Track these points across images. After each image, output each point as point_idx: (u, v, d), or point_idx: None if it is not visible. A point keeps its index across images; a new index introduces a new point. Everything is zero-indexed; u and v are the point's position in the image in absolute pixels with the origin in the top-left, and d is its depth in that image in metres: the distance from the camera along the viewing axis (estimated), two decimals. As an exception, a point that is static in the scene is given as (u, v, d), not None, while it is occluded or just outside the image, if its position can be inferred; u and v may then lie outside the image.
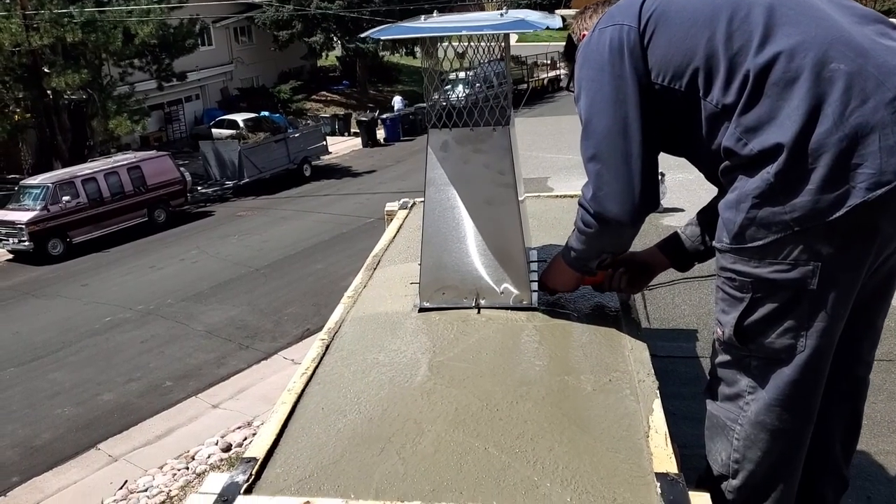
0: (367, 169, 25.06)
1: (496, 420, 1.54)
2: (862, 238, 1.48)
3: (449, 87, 1.95)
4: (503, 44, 1.90)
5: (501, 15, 1.94)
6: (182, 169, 22.08)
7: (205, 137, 26.57)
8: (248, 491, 1.39)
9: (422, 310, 2.00)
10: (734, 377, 1.65)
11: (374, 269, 2.39)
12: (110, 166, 20.48)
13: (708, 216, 1.88)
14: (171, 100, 29.69)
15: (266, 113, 28.19)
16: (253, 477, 1.42)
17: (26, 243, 18.65)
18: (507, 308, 1.96)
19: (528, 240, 2.26)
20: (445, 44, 1.87)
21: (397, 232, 2.73)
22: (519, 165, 2.09)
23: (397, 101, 31.47)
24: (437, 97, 1.92)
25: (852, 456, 1.88)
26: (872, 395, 2.76)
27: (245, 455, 1.48)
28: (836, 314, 1.54)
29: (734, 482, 1.68)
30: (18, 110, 22.73)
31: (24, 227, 18.53)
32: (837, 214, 1.43)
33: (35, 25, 20.90)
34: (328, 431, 1.54)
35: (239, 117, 27.82)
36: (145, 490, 8.08)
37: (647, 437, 1.47)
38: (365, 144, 28.15)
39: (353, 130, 29.60)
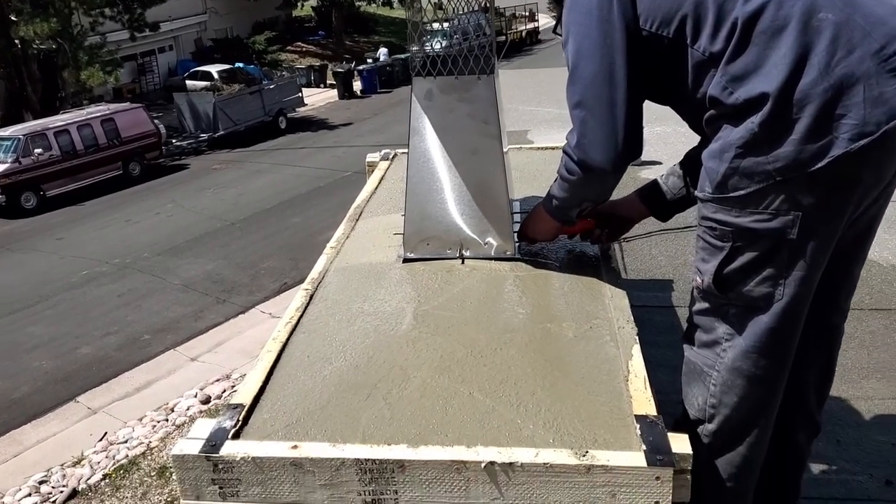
0: (343, 121, 24.80)
1: (480, 366, 1.56)
2: (843, 188, 1.50)
3: (433, 35, 1.94)
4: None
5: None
6: (156, 121, 21.76)
7: (179, 89, 26.11)
8: (236, 436, 1.41)
9: (406, 260, 2.01)
10: (712, 324, 1.67)
11: (357, 220, 2.39)
12: (83, 118, 20.12)
13: (688, 166, 1.90)
14: (144, 51, 29.12)
15: (241, 64, 27.74)
16: (240, 422, 1.44)
17: (-1, 196, 18.40)
18: (490, 259, 1.98)
19: (511, 191, 2.27)
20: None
21: (379, 183, 2.73)
22: (503, 117, 2.09)
23: (383, 53, 31.07)
24: (421, 45, 1.90)
25: (825, 402, 1.94)
26: (844, 343, 2.82)
27: (231, 402, 1.49)
28: (814, 263, 1.56)
29: (710, 426, 1.71)
30: (-14, 61, 22.22)
31: (-5, 180, 18.26)
32: (819, 165, 1.44)
33: (0, -28, 20.35)
34: (314, 378, 1.56)
35: (213, 69, 27.35)
36: (125, 441, 8.11)
37: (627, 381, 1.51)
38: (341, 96, 27.83)
39: (329, 82, 29.23)
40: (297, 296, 1.90)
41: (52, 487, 7.31)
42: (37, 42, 22.16)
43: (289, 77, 26.82)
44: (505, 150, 2.00)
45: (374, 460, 1.32)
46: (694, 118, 1.69)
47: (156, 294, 13.68)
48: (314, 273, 2.02)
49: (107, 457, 7.84)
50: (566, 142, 1.73)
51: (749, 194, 1.52)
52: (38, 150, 18.83)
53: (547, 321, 1.73)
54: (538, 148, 3.19)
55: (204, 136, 23.36)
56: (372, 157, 3.01)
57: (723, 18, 1.50)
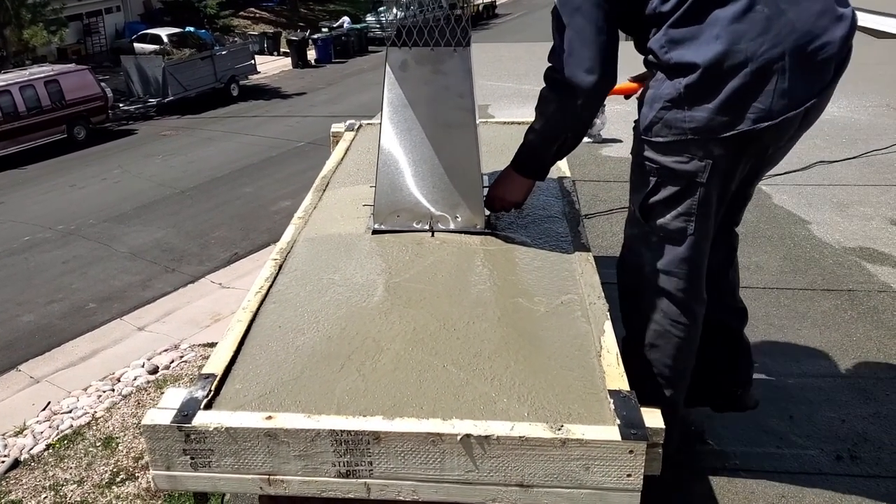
0: (297, 91, 24.45)
1: (454, 339, 1.56)
2: (744, 151, 1.76)
3: (398, 4, 1.91)
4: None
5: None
6: (103, 84, 21.14)
7: (126, 52, 25.39)
8: (209, 406, 1.39)
9: (375, 232, 1.99)
10: (639, 250, 1.90)
11: (324, 190, 2.36)
12: (26, 79, 19.45)
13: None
14: (91, 10, 28.23)
15: (192, 28, 27.09)
16: (212, 392, 1.42)
17: (-66, 158, 17.74)
18: (460, 232, 1.98)
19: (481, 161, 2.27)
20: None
21: (345, 154, 2.69)
22: (476, 90, 2.08)
23: (346, 22, 30.65)
24: (388, 14, 1.88)
25: (738, 286, 2.21)
26: (797, 322, 2.90)
27: (203, 371, 1.47)
28: (719, 201, 1.83)
29: (647, 340, 1.92)
30: (-77, 15, 21.30)
31: (-70, 141, 17.60)
32: (726, 134, 1.69)
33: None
34: (286, 349, 1.55)
35: (163, 32, 26.64)
36: (69, 412, 7.97)
37: (600, 356, 1.52)
38: (295, 65, 27.42)
39: (282, 50, 28.74)
40: (266, 265, 1.88)
41: (-7, 457, 7.14)
42: (-23, -2, 21.33)
43: (241, 43, 26.33)
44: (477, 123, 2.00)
45: (349, 431, 1.31)
46: (645, 60, 1.84)
47: (102, 262, 13.39)
48: (282, 243, 1.99)
49: (50, 426, 7.70)
50: (549, 65, 1.82)
51: (669, 142, 1.75)
52: (-23, 111, 18.21)
53: (518, 296, 1.73)
54: (502, 122, 3.18)
55: (153, 101, 22.82)
56: (337, 127, 2.97)
57: None
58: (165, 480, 1.37)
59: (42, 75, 19.79)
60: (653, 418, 1.34)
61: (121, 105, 22.73)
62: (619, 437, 1.29)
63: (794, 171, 4.33)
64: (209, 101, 23.13)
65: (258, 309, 1.69)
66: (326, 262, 1.88)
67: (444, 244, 1.94)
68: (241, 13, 33.94)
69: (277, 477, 1.36)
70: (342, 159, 2.63)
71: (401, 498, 1.36)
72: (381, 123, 1.92)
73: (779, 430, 2.32)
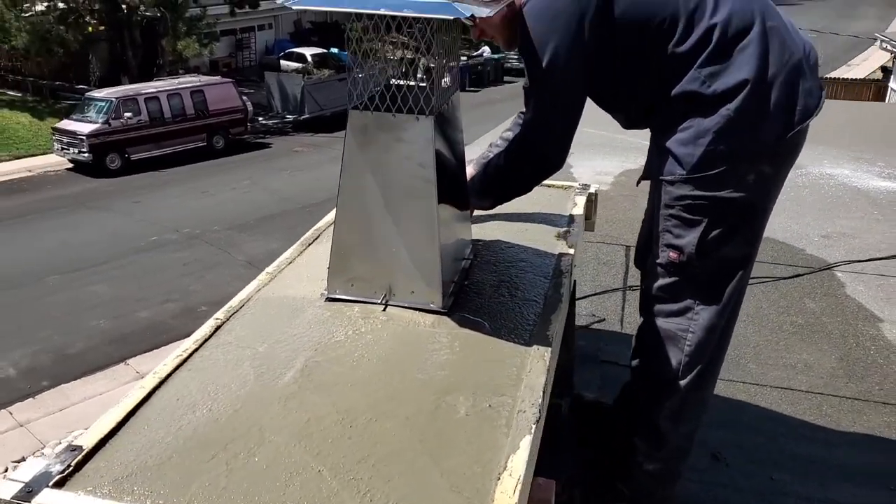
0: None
1: (345, 438, 1.43)
2: (791, 158, 1.94)
3: (378, 64, 1.81)
4: (435, 25, 1.73)
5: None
6: (245, 98, 22.23)
7: (273, 68, 26.66)
8: (60, 484, 1.31)
9: (329, 299, 1.89)
10: (681, 294, 1.96)
11: (309, 244, 2.28)
12: (174, 87, 20.73)
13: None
14: (244, 27, 29.80)
15: (335, 50, 28.07)
16: (71, 468, 1.34)
17: (86, 154, 19.12)
18: (415, 308, 1.84)
19: (465, 233, 2.13)
20: (373, 19, 1.72)
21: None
22: (455, 152, 1.96)
23: (486, 51, 31.01)
24: (359, 75, 1.78)
25: None
26: (838, 438, 2.58)
27: (74, 442, 1.40)
28: (767, 219, 1.99)
29: (683, 382, 2.00)
30: (93, 22, 23.09)
31: (84, 138, 18.98)
32: (781, 140, 1.83)
33: (115, -62, 21.12)
34: (169, 427, 1.46)
35: (308, 51, 27.78)
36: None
37: (500, 478, 1.35)
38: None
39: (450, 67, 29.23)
40: (205, 325, 1.80)
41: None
42: (141, 9, 22.94)
43: (406, 59, 26.90)
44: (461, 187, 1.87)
45: (184, 535, 1.20)
46: (636, 114, 2.03)
47: (219, 267, 13.97)
48: (234, 301, 1.92)
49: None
50: (523, 138, 2.03)
51: (724, 171, 1.83)
52: (127, 114, 19.51)
53: (445, 392, 1.57)
54: (549, 185, 2.98)
55: (290, 117, 23.78)
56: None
57: (693, 26, 1.79)
58: (5, 558, 1.30)
59: (189, 85, 21.02)
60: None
61: (260, 119, 23.80)
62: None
63: (880, 258, 3.89)
64: (342, 121, 23.73)
65: (169, 375, 1.62)
66: (264, 329, 1.79)
67: (391, 321, 1.80)
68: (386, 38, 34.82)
69: (114, 570, 1.26)
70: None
71: None
72: (339, 186, 1.82)
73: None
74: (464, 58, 30.29)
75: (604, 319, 3.24)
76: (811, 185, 5.21)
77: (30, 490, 1.28)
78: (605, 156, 5.38)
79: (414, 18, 1.67)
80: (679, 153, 1.86)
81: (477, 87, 28.52)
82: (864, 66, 32.99)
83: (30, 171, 20.10)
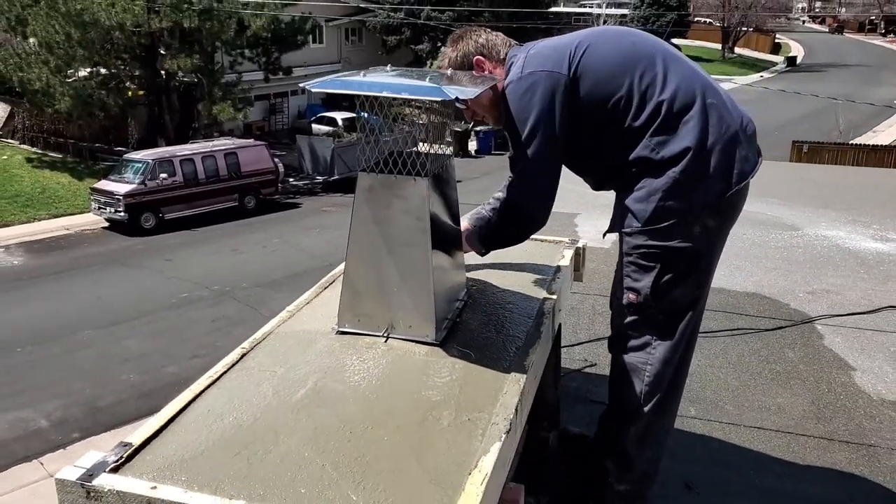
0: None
1: (345, 441, 1.73)
2: (731, 213, 2.23)
3: (383, 134, 2.16)
4: (431, 105, 2.09)
5: (441, 77, 2.15)
6: (277, 160, 22.92)
7: (304, 131, 27.48)
8: (114, 470, 1.62)
9: (339, 332, 2.21)
10: (642, 331, 2.25)
11: (325, 288, 2.61)
12: (208, 150, 21.46)
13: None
14: (278, 92, 30.83)
15: (364, 114, 28.81)
16: (123, 459, 1.66)
17: (122, 214, 19.76)
18: (412, 341, 2.15)
19: (458, 277, 2.44)
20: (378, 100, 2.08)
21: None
22: (450, 208, 2.29)
23: None
24: (367, 144, 2.13)
25: None
26: (802, 472, 2.80)
27: (125, 440, 1.72)
28: (714, 267, 2.28)
29: (645, 408, 2.27)
30: (133, 87, 24.10)
31: (121, 198, 19.65)
32: (721, 199, 2.14)
33: (156, 9, 22.16)
34: (202, 431, 1.77)
35: (339, 115, 28.62)
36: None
37: (470, 474, 1.63)
38: (455, 154, 28.21)
39: (446, 139, 29.93)
40: (233, 352, 2.13)
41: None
42: (179, 75, 23.92)
43: (407, 131, 27.66)
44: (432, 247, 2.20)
45: (211, 510, 1.50)
46: (602, 177, 2.38)
47: (246, 323, 14.30)
48: (258, 333, 2.24)
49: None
50: (516, 204, 2.37)
51: (673, 224, 2.13)
52: (163, 175, 20.19)
53: (431, 408, 1.87)
54: (540, 239, 3.29)
55: (319, 178, 24.43)
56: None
57: (646, 102, 2.14)
58: (70, 530, 1.61)
59: (223, 148, 21.75)
60: (481, 539, 1.45)
61: (290, 180, 24.47)
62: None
63: (859, 312, 4.16)
64: (370, 182, 24.35)
65: (202, 392, 1.93)
66: (283, 356, 2.11)
67: (391, 350, 2.11)
68: (414, 103, 35.76)
69: (156, 541, 1.56)
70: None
71: (254, 578, 1.52)
72: (349, 236, 2.15)
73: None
74: (489, 126, 31.01)
75: (595, 364, 3.51)
76: (805, 245, 5.48)
77: (90, 474, 1.59)
78: (608, 216, 5.69)
79: (412, 99, 2.02)
80: (634, 208, 2.18)
81: (502, 151, 29.13)
82: (889, 132, 33.22)
83: (67, 229, 20.83)
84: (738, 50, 63.06)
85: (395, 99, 2.02)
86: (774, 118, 30.67)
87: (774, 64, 59.59)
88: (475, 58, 2.36)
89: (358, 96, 2.07)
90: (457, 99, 1.95)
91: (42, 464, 10.09)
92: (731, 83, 39.26)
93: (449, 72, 2.37)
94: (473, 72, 2.37)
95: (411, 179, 2.09)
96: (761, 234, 5.75)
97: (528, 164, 2.25)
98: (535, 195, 2.33)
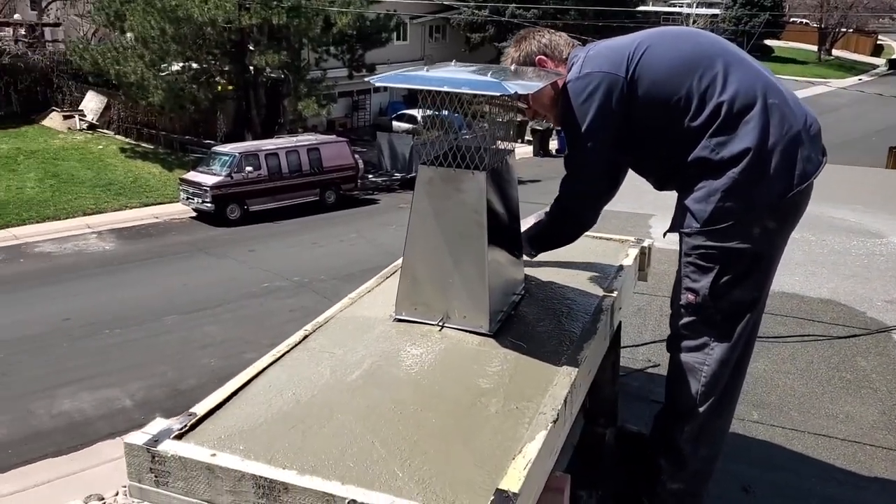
0: (531, 178, 25.22)
1: (395, 421, 1.80)
2: (792, 214, 2.22)
3: (443, 129, 2.23)
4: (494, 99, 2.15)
5: (506, 72, 2.20)
6: (357, 156, 23.25)
7: (385, 128, 27.81)
8: (178, 437, 1.73)
9: (396, 319, 2.28)
10: (700, 331, 2.26)
11: (387, 277, 2.69)
12: (292, 145, 21.93)
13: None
14: (361, 89, 31.24)
15: (445, 112, 29.00)
16: (187, 427, 1.77)
17: (209, 204, 20.37)
18: (466, 331, 2.21)
19: (515, 272, 2.49)
20: (440, 95, 2.14)
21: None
22: (508, 203, 2.33)
23: None
24: (429, 137, 2.19)
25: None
26: (869, 483, 2.74)
27: (190, 410, 1.83)
28: (774, 269, 2.27)
29: (700, 409, 2.28)
30: (222, 82, 24.83)
31: (209, 189, 20.26)
32: (782, 199, 2.12)
33: (247, 5, 22.78)
34: (262, 405, 1.87)
35: (419, 113, 28.80)
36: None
37: (514, 459, 1.68)
38: (536, 153, 28.44)
39: (527, 138, 29.89)
40: (296, 334, 2.23)
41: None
42: (267, 70, 24.51)
43: (487, 130, 27.72)
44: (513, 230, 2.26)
45: (266, 478, 1.59)
46: (662, 177, 2.39)
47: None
48: (321, 318, 2.34)
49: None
50: (567, 202, 2.47)
51: (732, 225, 2.13)
52: (248, 168, 20.73)
53: (480, 394, 1.93)
54: (605, 238, 3.30)
55: (398, 175, 24.68)
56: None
57: (705, 104, 2.14)
58: (137, 491, 1.73)
59: (306, 143, 22.19)
60: (517, 521, 1.49)
61: (370, 176, 24.80)
62: (471, 529, 1.46)
63: (939, 320, 4.01)
64: (448, 179, 24.50)
65: (264, 369, 2.04)
66: (342, 339, 2.20)
67: (444, 339, 2.18)
68: (495, 101, 35.76)
69: (214, 506, 1.66)
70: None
71: (303, 545, 1.61)
72: (408, 227, 2.23)
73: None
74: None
75: (658, 365, 3.50)
76: (888, 253, 5.31)
77: (156, 440, 1.71)
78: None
79: (472, 94, 2.08)
80: (694, 209, 2.19)
81: (581, 151, 28.90)
82: None
83: (157, 217, 21.62)
84: (835, 52, 60.78)
85: (455, 94, 2.08)
86: (872, 123, 29.51)
87: (875, 67, 57.31)
88: (538, 57, 2.39)
89: (420, 91, 2.14)
90: (517, 94, 2.00)
91: (124, 440, 10.54)
92: (825, 86, 37.97)
93: (513, 67, 2.41)
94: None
95: (470, 173, 2.14)
96: (842, 241, 5.59)
97: (582, 163, 2.33)
98: (586, 194, 2.41)
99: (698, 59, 2.18)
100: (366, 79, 2.40)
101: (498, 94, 1.99)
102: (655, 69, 2.18)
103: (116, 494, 9.11)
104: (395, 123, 29.04)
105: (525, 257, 2.58)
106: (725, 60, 2.18)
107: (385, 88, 32.60)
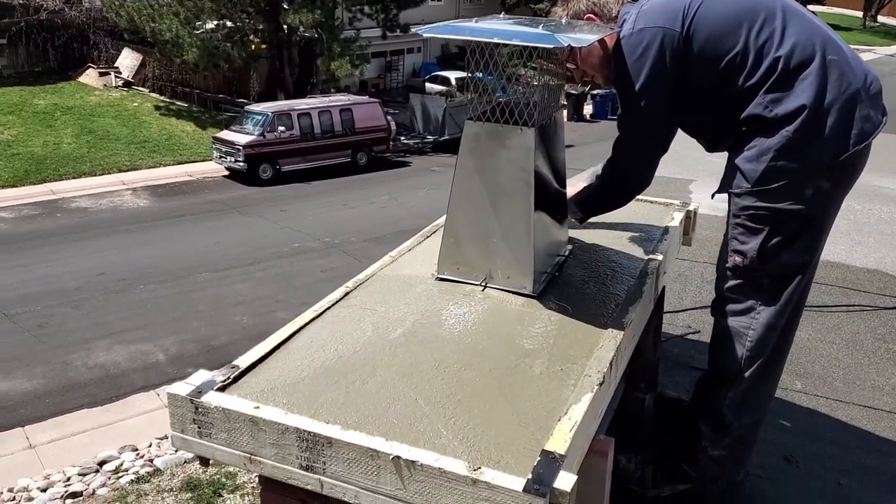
0: (566, 143, 25.02)
1: (438, 379, 1.78)
2: (848, 176, 2.14)
3: (492, 83, 2.17)
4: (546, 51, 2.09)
5: (557, 25, 2.13)
6: (389, 118, 23.16)
7: (418, 90, 27.64)
8: (222, 389, 1.73)
9: (438, 278, 2.25)
10: (746, 295, 2.20)
11: (427, 237, 2.65)
12: (325, 105, 21.90)
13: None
14: (394, 49, 31.06)
15: (479, 74, 28.72)
16: (230, 380, 1.76)
17: (241, 164, 20.47)
18: (509, 291, 2.17)
19: (561, 233, 2.44)
20: (490, 46, 2.08)
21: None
22: (555, 163, 2.28)
23: None
24: (475, 93, 2.14)
25: None
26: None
27: (233, 363, 1.82)
28: (827, 232, 2.21)
29: (745, 374, 2.24)
30: (256, 40, 24.77)
31: (241, 148, 20.35)
32: (837, 159, 2.05)
33: (281, -38, 22.67)
34: (305, 359, 1.85)
35: (452, 75, 28.62)
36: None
37: (560, 420, 1.65)
38: (570, 118, 28.11)
39: (561, 102, 29.54)
40: (337, 290, 2.20)
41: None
42: (301, 30, 24.40)
43: (521, 92, 27.47)
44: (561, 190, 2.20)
45: (309, 432, 1.58)
46: (714, 137, 2.30)
47: (353, 275, 14.49)
48: (362, 275, 2.31)
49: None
50: (622, 162, 2.38)
51: (784, 185, 2.06)
52: (281, 128, 20.76)
53: (524, 355, 1.90)
54: (650, 201, 3.22)
55: (430, 137, 24.56)
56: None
57: (762, 59, 2.06)
58: (179, 441, 1.73)
59: (338, 104, 22.15)
60: (565, 481, 1.47)
61: (402, 138, 24.71)
62: (520, 489, 1.43)
63: None
64: (481, 143, 24.37)
65: (306, 324, 2.02)
66: (383, 296, 2.17)
67: (487, 299, 2.14)
68: (530, 63, 35.38)
69: (257, 457, 1.65)
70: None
71: (346, 500, 1.60)
72: (451, 184, 2.18)
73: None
74: (606, 89, 30.35)
75: (699, 332, 3.45)
76: (940, 223, 5.17)
77: (199, 391, 1.70)
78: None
79: (522, 47, 2.01)
80: (745, 168, 2.12)
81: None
82: None
83: (190, 175, 21.79)
84: (881, 18, 59.20)
85: (505, 45, 2.02)
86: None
87: (922, 34, 55.71)
88: (586, 16, 2.32)
89: (469, 43, 2.08)
90: (569, 47, 1.93)
91: (158, 395, 10.70)
92: (871, 53, 37.00)
93: (564, 20, 2.34)
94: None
95: (518, 129, 2.09)
96: (889, 211, 5.46)
97: (636, 122, 2.24)
98: (642, 153, 2.32)
99: (755, 11, 2.09)
100: (413, 29, 2.34)
101: (550, 46, 1.93)
102: (712, 23, 2.09)
103: (150, 446, 9.30)
104: (428, 85, 28.86)
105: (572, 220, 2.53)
106: (784, 12, 2.09)
107: (419, 49, 32.38)
